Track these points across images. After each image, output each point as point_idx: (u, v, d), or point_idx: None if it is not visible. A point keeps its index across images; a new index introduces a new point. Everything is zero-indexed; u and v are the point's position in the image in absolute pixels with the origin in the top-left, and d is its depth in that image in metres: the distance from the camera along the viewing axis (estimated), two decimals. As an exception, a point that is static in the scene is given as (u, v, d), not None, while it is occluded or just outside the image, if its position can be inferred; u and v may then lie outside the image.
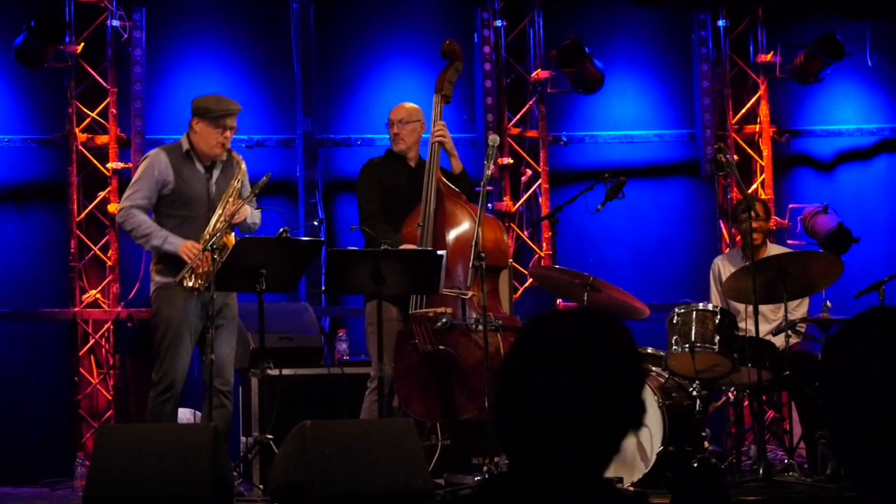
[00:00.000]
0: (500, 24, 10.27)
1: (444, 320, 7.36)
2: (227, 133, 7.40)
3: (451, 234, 7.62)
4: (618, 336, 2.22)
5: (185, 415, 8.36)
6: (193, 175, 7.41)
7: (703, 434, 7.43)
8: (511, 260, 8.60)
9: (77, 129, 9.75)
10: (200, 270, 7.22)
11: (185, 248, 7.22)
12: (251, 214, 7.46)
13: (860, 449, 2.18)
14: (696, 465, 7.14)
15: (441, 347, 7.39)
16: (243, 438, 8.17)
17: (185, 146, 7.45)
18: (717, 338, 7.46)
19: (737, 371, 7.52)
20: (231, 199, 7.37)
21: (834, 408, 2.21)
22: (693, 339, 7.46)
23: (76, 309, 9.67)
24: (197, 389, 8.04)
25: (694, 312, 7.56)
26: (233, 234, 7.35)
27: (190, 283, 7.24)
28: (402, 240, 7.55)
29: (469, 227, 7.54)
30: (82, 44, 9.73)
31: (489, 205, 9.65)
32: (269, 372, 7.35)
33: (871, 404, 2.16)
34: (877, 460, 2.16)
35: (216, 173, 7.46)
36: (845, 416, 2.19)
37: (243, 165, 7.49)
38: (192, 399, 8.44)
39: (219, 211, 7.33)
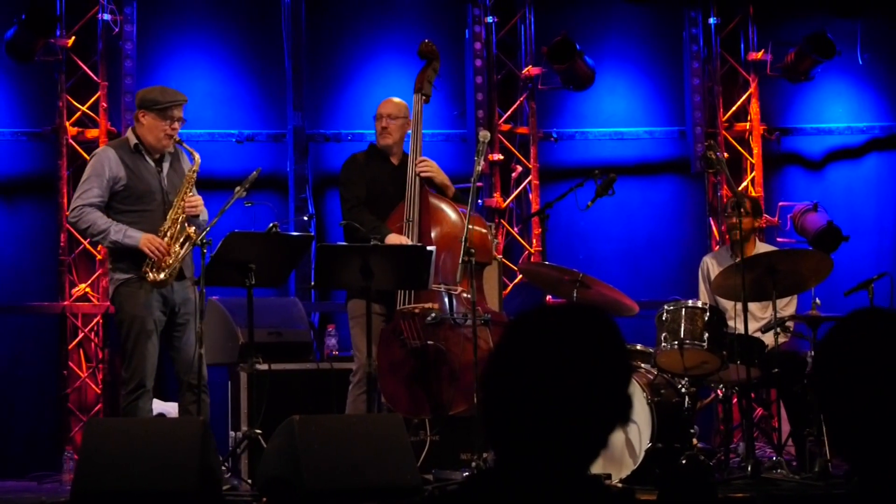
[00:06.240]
0: (491, 21, 10.28)
1: (433, 315, 7.36)
2: (175, 124, 7.26)
3: (437, 230, 7.61)
4: (605, 331, 2.22)
5: (171, 408, 8.34)
6: (145, 169, 7.27)
7: (692, 431, 7.43)
8: (500, 256, 8.60)
9: (67, 123, 9.74)
10: (165, 263, 7.13)
11: (146, 240, 7.08)
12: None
13: (852, 433, 2.25)
14: (684, 462, 7.14)
15: (430, 342, 7.39)
16: (232, 433, 8.16)
17: (133, 140, 7.30)
18: (706, 335, 7.46)
19: (725, 368, 7.53)
20: (188, 190, 7.25)
21: (826, 401, 2.26)
22: (682, 336, 7.46)
23: (65, 303, 9.65)
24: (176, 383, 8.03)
25: (683, 309, 7.57)
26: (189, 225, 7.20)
27: (160, 277, 7.10)
28: (390, 230, 7.52)
29: (454, 223, 7.53)
30: (73, 37, 9.72)
31: (479, 201, 9.66)
32: (258, 367, 7.34)
33: (862, 398, 2.22)
34: (867, 443, 2.24)
35: (165, 166, 7.32)
36: (838, 409, 2.25)
37: (196, 156, 7.26)
38: (173, 393, 8.42)
39: (176, 203, 7.21)
